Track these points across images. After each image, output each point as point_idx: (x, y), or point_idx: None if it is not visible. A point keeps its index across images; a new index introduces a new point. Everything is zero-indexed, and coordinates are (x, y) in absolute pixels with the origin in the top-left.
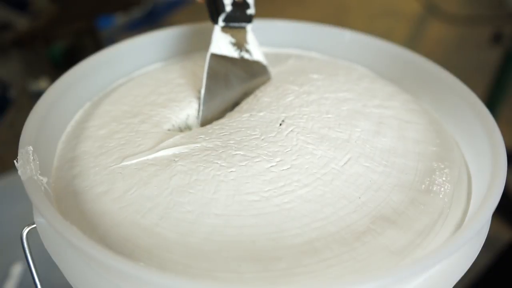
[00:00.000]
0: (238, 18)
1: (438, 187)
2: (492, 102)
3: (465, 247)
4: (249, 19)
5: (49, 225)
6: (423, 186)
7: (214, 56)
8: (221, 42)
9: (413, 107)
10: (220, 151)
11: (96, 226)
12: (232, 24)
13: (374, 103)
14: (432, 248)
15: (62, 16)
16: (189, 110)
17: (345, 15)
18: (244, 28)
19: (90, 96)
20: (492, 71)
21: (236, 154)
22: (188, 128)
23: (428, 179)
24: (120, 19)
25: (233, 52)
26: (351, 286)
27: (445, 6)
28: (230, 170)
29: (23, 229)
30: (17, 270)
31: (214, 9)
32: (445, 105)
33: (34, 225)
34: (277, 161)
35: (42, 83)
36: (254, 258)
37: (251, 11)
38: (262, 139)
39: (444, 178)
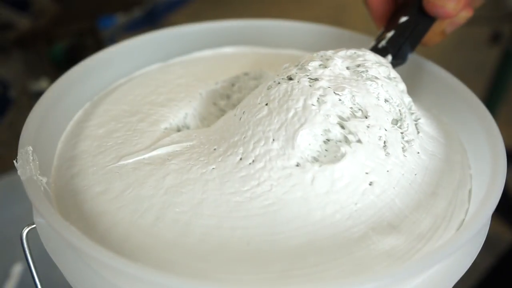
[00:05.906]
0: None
1: (444, 189)
2: (491, 102)
3: (465, 248)
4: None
5: (48, 225)
6: (430, 188)
7: None
8: None
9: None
10: (204, 147)
11: (95, 226)
12: None
13: (380, 70)
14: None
15: (64, 16)
16: (187, 109)
17: (344, 15)
18: None
19: (90, 96)
20: (491, 71)
21: (214, 149)
22: (186, 127)
23: (436, 180)
24: (121, 19)
25: None
26: (349, 287)
27: None
28: (212, 167)
29: (23, 229)
30: (17, 270)
31: None
32: (445, 105)
33: (34, 225)
34: (241, 153)
35: (42, 83)
36: (250, 260)
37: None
38: (227, 130)
39: (451, 179)
